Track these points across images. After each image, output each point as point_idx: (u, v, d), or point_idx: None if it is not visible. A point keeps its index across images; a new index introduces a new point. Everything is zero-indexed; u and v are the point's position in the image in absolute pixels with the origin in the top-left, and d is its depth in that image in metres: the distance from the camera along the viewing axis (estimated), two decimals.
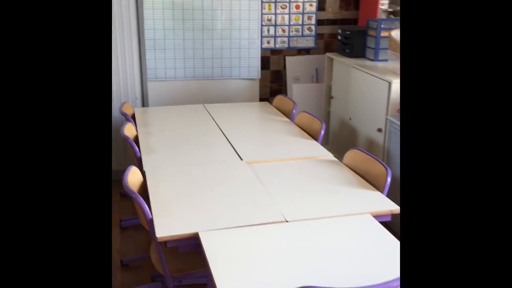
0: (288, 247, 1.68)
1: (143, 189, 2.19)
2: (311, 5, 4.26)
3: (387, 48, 3.41)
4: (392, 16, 4.11)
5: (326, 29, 4.37)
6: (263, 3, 4.13)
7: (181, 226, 1.81)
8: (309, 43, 4.36)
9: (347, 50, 3.74)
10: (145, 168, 2.34)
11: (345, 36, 3.77)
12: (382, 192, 2.12)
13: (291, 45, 4.32)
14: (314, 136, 2.85)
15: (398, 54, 3.19)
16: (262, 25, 4.18)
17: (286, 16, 4.24)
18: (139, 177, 2.23)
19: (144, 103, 3.96)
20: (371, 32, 3.56)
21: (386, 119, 3.04)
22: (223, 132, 2.90)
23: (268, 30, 4.24)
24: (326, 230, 1.80)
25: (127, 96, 3.88)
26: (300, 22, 4.29)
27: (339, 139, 3.88)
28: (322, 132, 2.80)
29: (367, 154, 2.32)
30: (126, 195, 3.50)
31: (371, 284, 1.39)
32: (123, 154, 3.92)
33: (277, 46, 4.29)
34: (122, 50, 3.77)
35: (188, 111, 3.39)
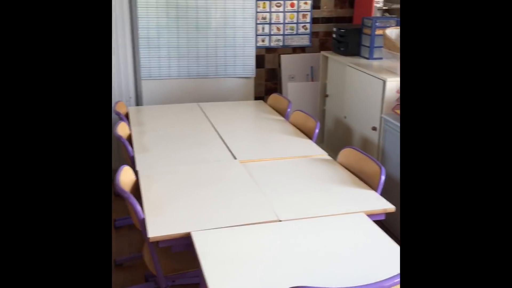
0: (281, 247, 1.67)
1: (136, 189, 2.17)
2: (306, 3, 4.25)
3: (382, 46, 3.40)
4: (387, 14, 4.10)
5: (321, 27, 4.36)
6: (257, 1, 4.12)
7: (174, 225, 1.79)
8: (304, 41, 4.35)
9: (342, 48, 3.73)
10: (138, 168, 2.33)
11: (340, 34, 3.76)
12: (376, 190, 2.11)
13: (286, 43, 4.31)
14: (308, 134, 2.84)
15: (393, 52, 3.18)
16: (256, 23, 4.17)
17: (281, 14, 4.23)
18: (132, 177, 2.21)
19: (138, 102, 3.94)
20: (366, 30, 3.55)
21: (381, 117, 3.03)
22: (217, 131, 2.88)
23: (263, 28, 4.22)
24: (319, 229, 1.79)
25: (121, 95, 3.86)
26: (295, 20, 4.27)
27: (334, 138, 3.87)
28: (317, 130, 2.79)
29: (361, 152, 2.31)
30: (119, 194, 3.47)
31: (365, 283, 1.38)
32: (116, 154, 3.90)
33: (272, 44, 4.28)
34: (116, 49, 3.75)
35: (182, 110, 3.37)
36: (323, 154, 2.54)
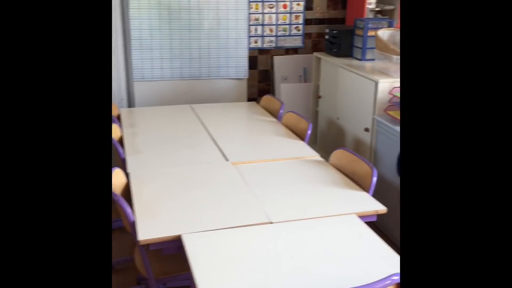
0: (272, 249, 1.66)
1: (127, 191, 2.16)
2: (298, 4, 4.25)
3: (374, 48, 3.40)
4: (379, 16, 4.11)
5: (313, 29, 4.36)
6: (250, 3, 4.11)
7: (164, 228, 1.78)
8: (297, 42, 4.35)
9: (334, 50, 3.73)
10: (129, 170, 2.31)
11: (333, 35, 3.76)
12: (368, 191, 2.11)
13: (279, 44, 4.31)
14: (301, 136, 2.84)
15: (385, 54, 3.19)
16: (249, 25, 4.16)
17: (274, 16, 4.23)
18: (123, 179, 2.20)
19: (130, 103, 3.92)
20: (358, 32, 3.55)
21: (373, 118, 3.03)
22: (209, 133, 2.87)
23: (256, 30, 4.22)
24: (310, 231, 1.78)
25: (113, 96, 3.84)
26: (287, 21, 4.27)
27: (327, 139, 3.87)
28: (309, 132, 2.79)
29: (353, 154, 2.31)
30: None
31: (356, 285, 1.38)
32: None
33: (265, 45, 4.28)
34: None
35: (174, 111, 3.35)
36: (315, 155, 2.54)
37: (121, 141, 2.75)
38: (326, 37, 3.86)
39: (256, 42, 4.24)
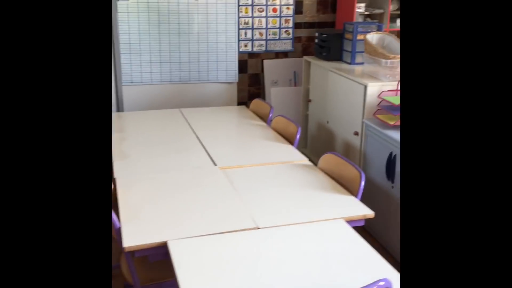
0: (259, 255, 1.64)
1: (113, 197, 2.13)
2: (288, 8, 4.25)
3: (363, 51, 3.40)
4: (368, 19, 4.11)
5: (303, 32, 4.37)
6: (240, 7, 4.10)
7: (150, 234, 1.76)
8: (287, 46, 4.34)
9: (324, 54, 3.73)
10: (115, 175, 2.29)
11: (322, 39, 3.76)
12: (356, 196, 2.10)
13: (269, 48, 4.30)
14: (290, 140, 2.82)
15: (374, 57, 3.19)
16: (239, 28, 4.16)
17: (263, 19, 4.22)
18: None
19: (119, 108, 3.89)
20: (348, 35, 3.55)
21: (363, 122, 3.03)
22: (198, 137, 2.85)
23: (246, 34, 4.21)
24: (298, 237, 1.77)
25: None
26: (277, 25, 4.27)
27: (317, 143, 3.86)
28: (298, 136, 2.78)
29: (342, 158, 2.30)
30: None
31: None
32: None
33: (255, 49, 4.27)
34: None
35: (164, 115, 3.33)
36: (303, 159, 2.53)
37: None
38: (316, 41, 3.86)
39: (246, 46, 4.24)
